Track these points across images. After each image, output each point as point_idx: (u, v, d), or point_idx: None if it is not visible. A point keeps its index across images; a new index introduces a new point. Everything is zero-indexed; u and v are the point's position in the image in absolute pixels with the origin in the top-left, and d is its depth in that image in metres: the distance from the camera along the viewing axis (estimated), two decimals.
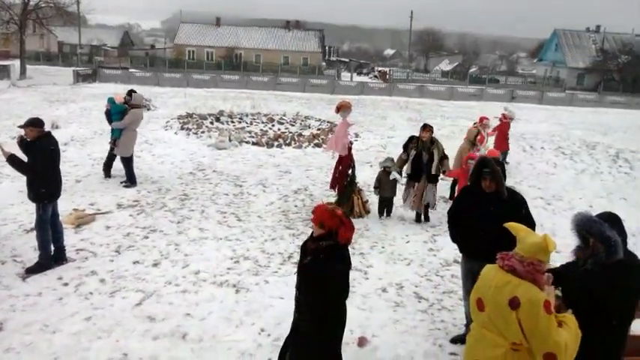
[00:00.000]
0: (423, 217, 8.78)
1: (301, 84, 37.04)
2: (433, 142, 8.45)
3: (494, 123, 13.46)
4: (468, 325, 4.75)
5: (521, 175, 13.03)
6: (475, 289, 3.24)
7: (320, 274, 3.52)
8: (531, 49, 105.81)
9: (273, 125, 18.24)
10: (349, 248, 3.81)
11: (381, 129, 19.37)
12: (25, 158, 6.06)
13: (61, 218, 6.64)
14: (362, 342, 5.02)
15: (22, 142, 6.04)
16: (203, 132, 15.86)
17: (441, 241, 7.91)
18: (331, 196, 9.36)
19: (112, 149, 10.18)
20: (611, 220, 3.41)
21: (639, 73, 52.71)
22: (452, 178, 9.95)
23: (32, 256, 6.40)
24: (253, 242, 7.55)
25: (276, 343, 4.67)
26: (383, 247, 7.64)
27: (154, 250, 7.04)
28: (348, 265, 3.69)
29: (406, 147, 8.66)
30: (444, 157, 8.54)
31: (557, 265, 3.90)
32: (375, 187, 8.93)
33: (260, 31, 67.31)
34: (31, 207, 6.50)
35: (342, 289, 3.67)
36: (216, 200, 9.45)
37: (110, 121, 10.15)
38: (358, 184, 9.24)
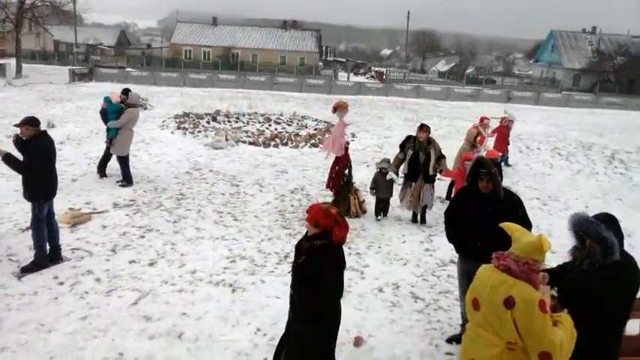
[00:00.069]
0: (419, 218, 8.78)
1: (298, 84, 37.04)
2: (430, 142, 8.45)
3: (494, 123, 13.48)
4: (463, 325, 4.76)
5: (518, 175, 13.07)
6: (471, 289, 3.25)
7: (314, 273, 3.53)
8: (528, 50, 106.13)
9: (269, 125, 18.24)
10: (345, 248, 3.81)
11: (377, 129, 19.39)
12: (20, 157, 6.04)
13: (56, 217, 6.63)
14: (358, 342, 5.03)
15: (18, 141, 6.01)
16: (200, 131, 15.84)
17: (438, 241, 7.93)
18: (328, 196, 9.37)
19: (108, 148, 10.15)
20: (608, 221, 3.41)
21: (635, 74, 52.91)
22: (450, 179, 9.95)
23: (28, 255, 6.38)
24: (250, 242, 7.55)
25: (272, 343, 4.66)
26: (379, 247, 7.64)
27: (150, 250, 7.03)
28: (342, 264, 3.70)
29: (403, 146, 8.65)
30: (441, 157, 8.54)
31: (553, 265, 3.91)
32: (371, 188, 8.92)
33: (257, 31, 67.28)
34: (27, 206, 6.48)
35: (337, 288, 3.69)
36: (212, 200, 9.44)
37: (105, 120, 10.12)
38: (355, 184, 9.24)
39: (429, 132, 8.48)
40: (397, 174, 8.77)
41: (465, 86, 45.12)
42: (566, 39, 62.83)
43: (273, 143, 15.04)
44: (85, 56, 58.50)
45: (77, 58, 53.66)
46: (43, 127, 6.26)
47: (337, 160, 8.91)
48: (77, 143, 13.55)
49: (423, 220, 8.77)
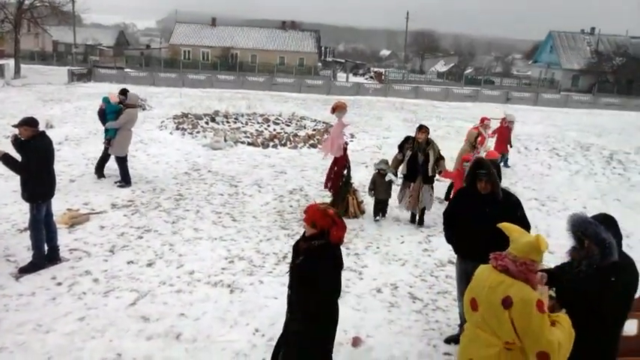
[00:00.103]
0: (417, 220, 8.77)
1: (297, 84, 37.03)
2: (429, 143, 8.43)
3: (494, 124, 13.50)
4: (462, 326, 4.76)
5: (516, 176, 13.07)
6: (469, 290, 3.26)
7: (312, 274, 3.53)
8: (526, 51, 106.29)
9: (268, 126, 18.23)
10: (343, 248, 3.82)
11: (376, 129, 19.40)
12: (19, 158, 6.04)
13: (54, 218, 6.62)
14: (356, 342, 5.03)
15: (16, 142, 6.01)
16: (198, 132, 15.84)
17: (436, 241, 7.93)
18: (327, 197, 9.37)
19: (106, 149, 10.14)
20: (607, 222, 3.41)
21: (633, 75, 53.02)
22: (450, 180, 9.94)
23: (26, 256, 6.37)
24: (248, 242, 7.55)
25: (271, 344, 4.65)
26: (378, 248, 7.64)
27: (148, 250, 7.02)
28: (339, 264, 3.71)
29: (401, 147, 8.65)
30: (440, 158, 8.51)
31: (552, 265, 3.92)
32: (369, 190, 8.91)
33: (256, 32, 67.25)
34: (25, 206, 6.48)
35: (334, 289, 3.69)
36: (211, 200, 9.43)
37: (104, 120, 10.12)
38: (353, 185, 9.24)
39: (428, 133, 8.46)
40: (396, 175, 8.76)
41: (463, 87, 45.11)
42: (564, 40, 62.93)
43: (271, 144, 15.03)
44: (84, 57, 58.45)
45: (76, 59, 53.60)
46: (41, 127, 6.25)
47: (336, 161, 8.91)
48: (76, 144, 13.54)
49: (421, 222, 8.76)
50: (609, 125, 26.00)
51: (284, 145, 15.12)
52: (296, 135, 16.49)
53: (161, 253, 6.94)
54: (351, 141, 15.53)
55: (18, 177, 6.13)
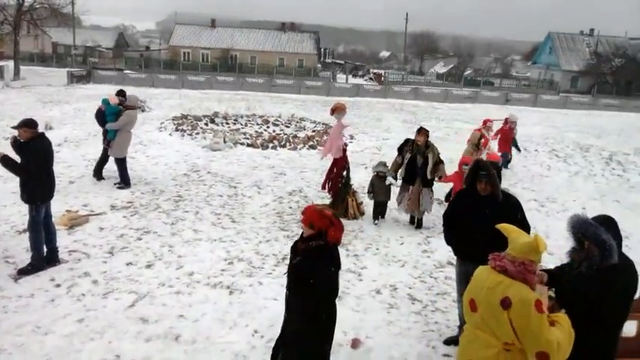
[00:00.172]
0: (416, 222, 8.74)
1: (296, 86, 37.05)
2: (428, 145, 8.39)
3: (496, 125, 13.51)
4: (461, 327, 4.76)
5: (516, 177, 13.07)
6: (468, 291, 3.26)
7: (309, 274, 3.54)
8: (525, 52, 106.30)
9: (268, 127, 18.24)
10: (342, 249, 3.82)
11: (376, 131, 19.40)
12: (18, 159, 6.04)
13: (54, 219, 6.62)
14: (355, 344, 5.02)
15: (16, 143, 6.01)
16: (198, 133, 15.84)
17: (435, 242, 7.93)
18: (326, 198, 9.37)
19: (105, 151, 10.14)
20: (607, 223, 3.40)
21: (632, 76, 53.07)
22: (452, 183, 9.91)
23: (25, 258, 6.36)
24: (247, 244, 7.54)
25: (270, 345, 4.64)
26: (377, 249, 7.63)
27: (147, 252, 7.02)
28: (337, 264, 3.72)
29: (401, 150, 8.62)
30: (438, 162, 8.43)
31: (551, 267, 3.92)
32: (368, 192, 8.88)
33: (255, 33, 67.33)
34: (24, 208, 6.47)
35: (332, 289, 3.70)
36: (210, 202, 9.43)
37: (102, 122, 10.11)
38: (353, 186, 9.24)
39: (428, 135, 8.41)
40: (395, 178, 8.74)
41: (463, 88, 45.12)
42: (563, 41, 62.98)
43: (271, 145, 15.03)
44: (83, 58, 58.44)
45: (75, 60, 53.65)
46: (40, 129, 6.26)
47: (335, 162, 8.91)
48: (75, 145, 13.54)
49: (420, 225, 8.73)
50: (608, 126, 26.02)
51: (283, 146, 15.12)
52: (295, 136, 16.49)
53: (160, 255, 6.94)
54: (351, 142, 15.54)
55: (17, 178, 6.13)
